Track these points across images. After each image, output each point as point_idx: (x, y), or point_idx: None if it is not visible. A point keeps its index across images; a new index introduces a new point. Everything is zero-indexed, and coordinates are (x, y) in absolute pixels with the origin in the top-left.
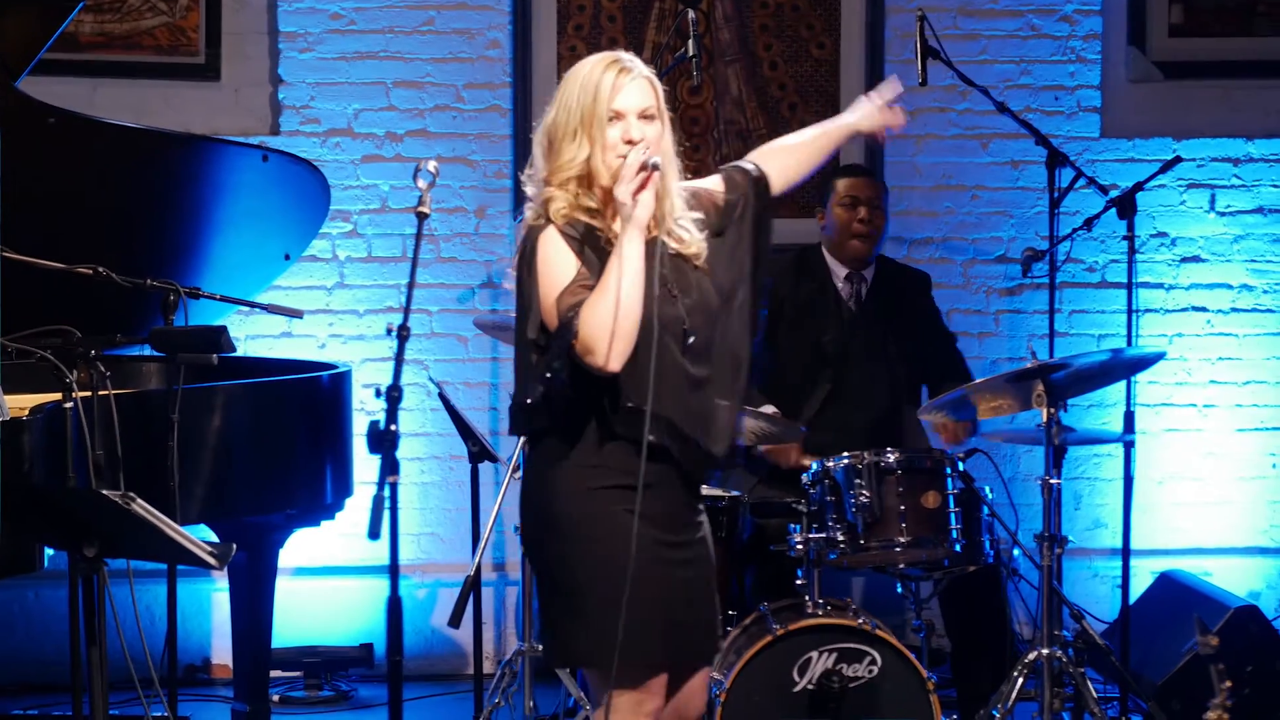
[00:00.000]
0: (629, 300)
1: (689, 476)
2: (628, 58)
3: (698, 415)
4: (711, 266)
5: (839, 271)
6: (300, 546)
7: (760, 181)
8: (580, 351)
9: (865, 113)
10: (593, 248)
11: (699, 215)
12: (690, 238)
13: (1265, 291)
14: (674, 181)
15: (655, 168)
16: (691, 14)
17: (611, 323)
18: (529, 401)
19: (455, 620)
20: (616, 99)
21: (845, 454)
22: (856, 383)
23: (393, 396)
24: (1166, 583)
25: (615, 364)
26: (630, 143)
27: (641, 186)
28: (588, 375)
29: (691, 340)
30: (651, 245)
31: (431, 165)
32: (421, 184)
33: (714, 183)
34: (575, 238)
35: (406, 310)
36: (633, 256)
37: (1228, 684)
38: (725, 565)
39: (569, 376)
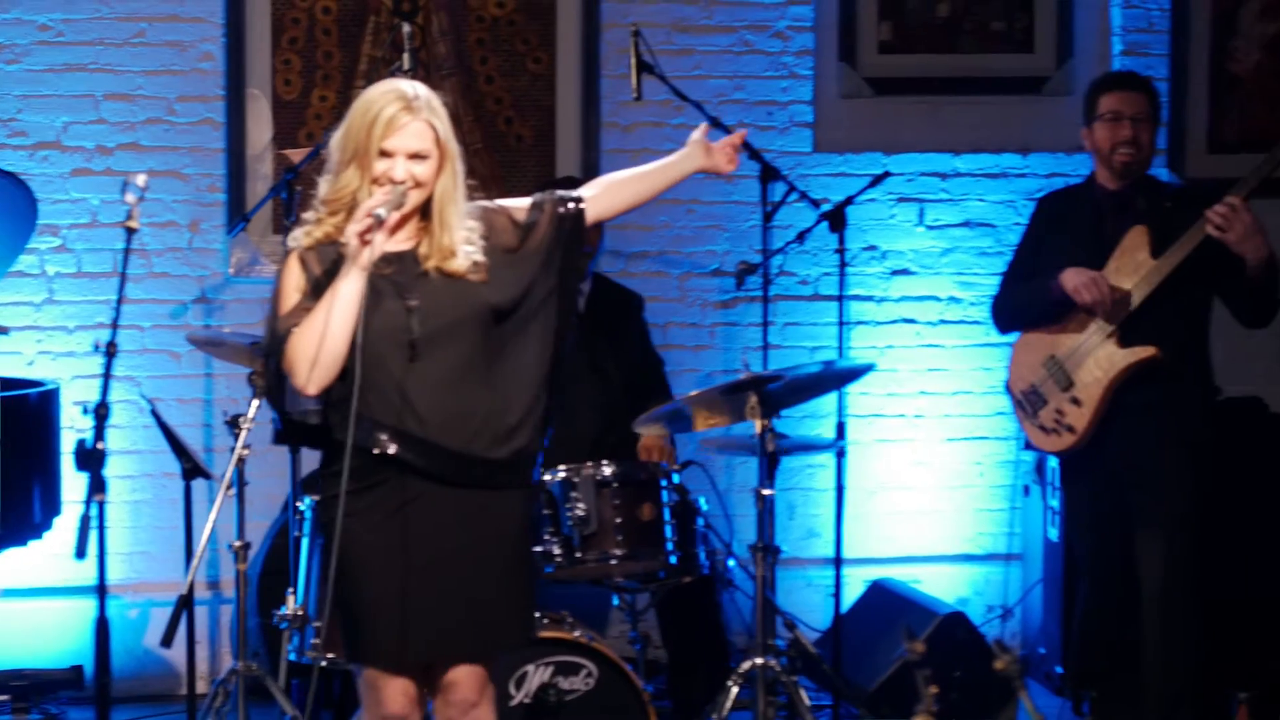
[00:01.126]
0: (332, 335)
1: (442, 477)
2: (413, 94)
3: (445, 419)
4: (498, 281)
5: None
6: (7, 567)
7: (568, 205)
8: (285, 371)
9: (693, 154)
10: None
11: (475, 225)
12: (459, 256)
13: (972, 304)
14: (456, 215)
15: (381, 221)
16: (407, 28)
17: (311, 351)
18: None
19: (167, 640)
20: (389, 139)
21: (561, 467)
22: (571, 398)
23: (100, 414)
24: (877, 591)
25: (311, 388)
26: (392, 182)
27: (367, 230)
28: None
29: (416, 350)
30: (403, 259)
31: (140, 179)
32: (130, 198)
33: (519, 202)
34: (318, 266)
35: (114, 326)
36: (346, 295)
37: (934, 689)
38: None
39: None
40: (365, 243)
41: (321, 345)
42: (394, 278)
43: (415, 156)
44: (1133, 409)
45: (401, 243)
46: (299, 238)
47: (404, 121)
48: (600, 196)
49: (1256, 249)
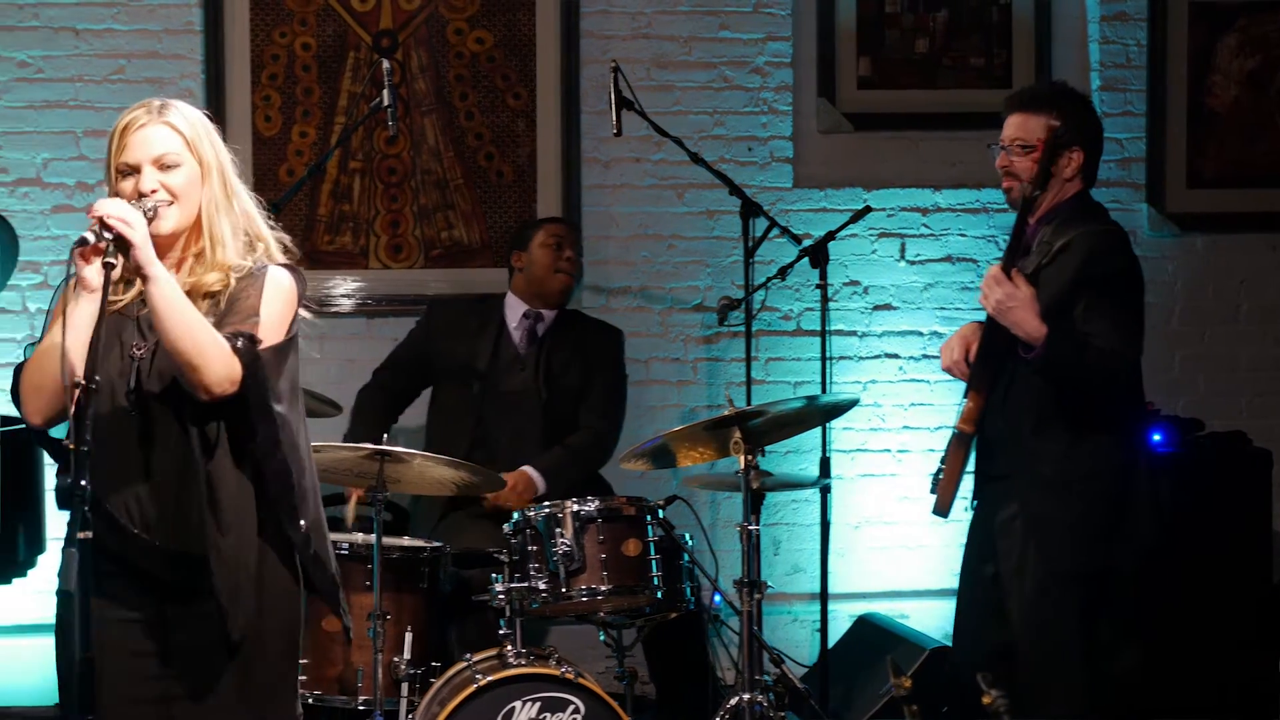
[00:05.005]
0: (54, 360)
1: (131, 565)
2: (160, 103)
3: (146, 503)
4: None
5: (515, 311)
6: None
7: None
8: (14, 397)
9: None
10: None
11: (243, 267)
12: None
13: None
14: (229, 230)
15: (103, 243)
16: (386, 64)
17: (35, 376)
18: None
19: None
20: (123, 154)
21: (546, 503)
22: (520, 428)
23: (80, 451)
24: (864, 626)
25: (35, 418)
26: (141, 195)
27: (88, 249)
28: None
29: (135, 407)
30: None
31: None
32: (107, 234)
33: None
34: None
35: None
36: (71, 317)
37: None
38: (428, 617)
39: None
40: (85, 261)
41: (44, 370)
42: (145, 319)
43: (165, 166)
44: (989, 479)
45: None
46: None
47: (142, 121)
48: None
49: (1018, 324)
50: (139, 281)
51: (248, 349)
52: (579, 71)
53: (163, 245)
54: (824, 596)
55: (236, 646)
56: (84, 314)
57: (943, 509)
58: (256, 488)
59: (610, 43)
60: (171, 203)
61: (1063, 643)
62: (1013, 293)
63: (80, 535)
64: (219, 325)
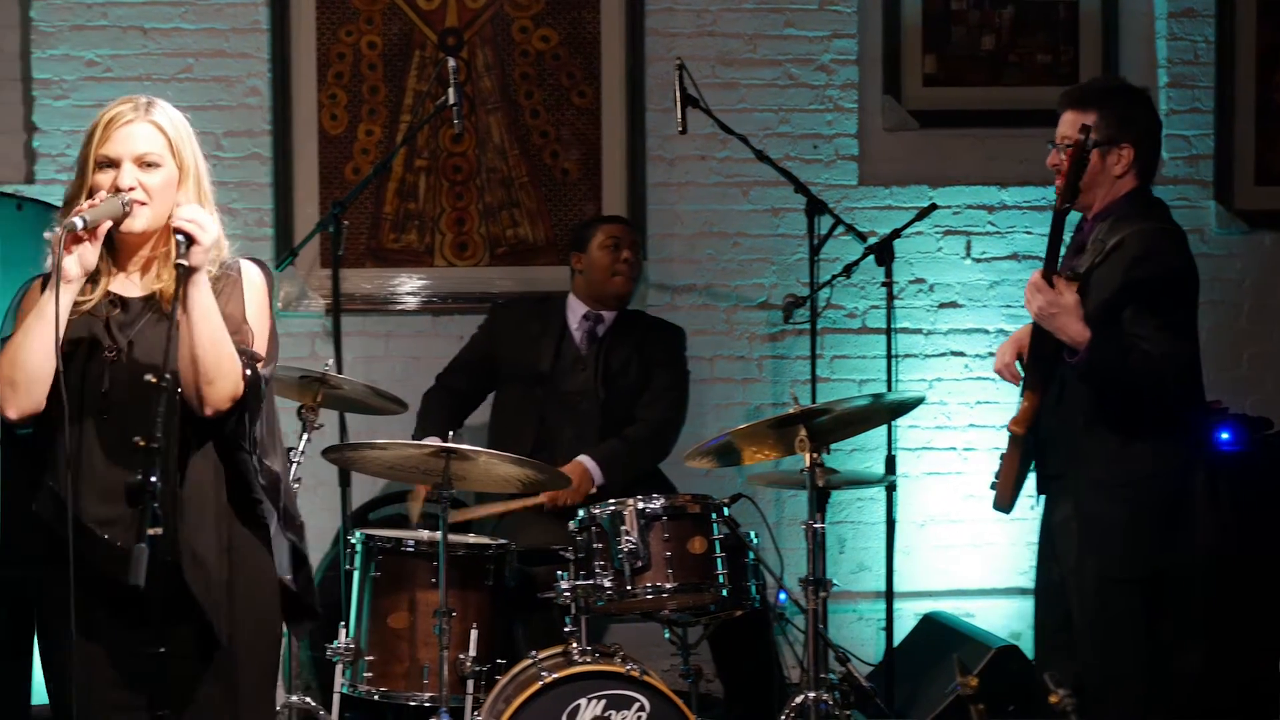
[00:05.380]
0: (29, 351)
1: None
2: (144, 101)
3: (110, 508)
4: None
5: (576, 312)
6: None
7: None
8: None
9: None
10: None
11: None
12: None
13: None
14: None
15: (74, 232)
16: (452, 62)
17: (7, 369)
18: None
19: None
20: (104, 146)
21: (611, 501)
22: (580, 424)
23: (151, 447)
24: (930, 624)
25: (11, 411)
26: (118, 190)
27: (69, 236)
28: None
29: (106, 410)
30: (130, 304)
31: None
32: (179, 235)
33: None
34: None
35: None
36: (47, 309)
37: None
38: (494, 614)
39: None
40: (66, 251)
41: (16, 363)
42: (115, 320)
43: (146, 164)
44: (1047, 479)
45: (136, 286)
46: (46, 267)
47: (128, 118)
48: None
49: (1061, 330)
50: (103, 281)
51: (254, 373)
52: (644, 69)
53: (132, 244)
54: (889, 595)
55: (212, 653)
56: (62, 306)
57: (1002, 506)
58: (231, 493)
59: (675, 40)
60: (145, 203)
61: (1120, 644)
62: (1054, 300)
63: (150, 531)
64: None
